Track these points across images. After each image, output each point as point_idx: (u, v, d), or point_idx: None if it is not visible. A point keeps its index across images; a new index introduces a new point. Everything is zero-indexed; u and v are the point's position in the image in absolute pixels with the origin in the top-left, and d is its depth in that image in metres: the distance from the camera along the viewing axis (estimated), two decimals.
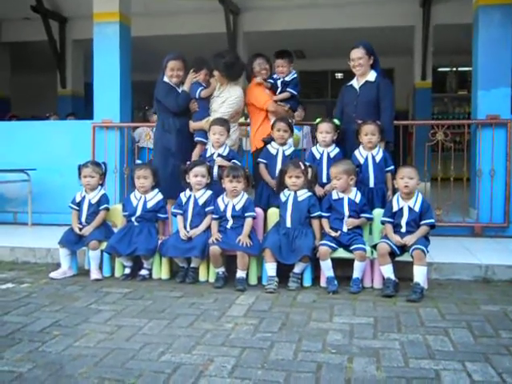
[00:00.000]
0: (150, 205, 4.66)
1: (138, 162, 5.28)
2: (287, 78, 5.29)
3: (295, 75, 5.36)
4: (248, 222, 4.39)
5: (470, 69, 6.24)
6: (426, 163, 5.93)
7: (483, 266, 4.46)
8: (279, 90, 5.29)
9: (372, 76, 4.93)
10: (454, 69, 14.00)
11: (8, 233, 6.12)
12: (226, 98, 5.09)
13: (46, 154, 6.72)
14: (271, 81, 5.31)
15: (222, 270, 4.36)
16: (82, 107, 11.94)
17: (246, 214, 4.40)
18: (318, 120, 4.94)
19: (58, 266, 4.68)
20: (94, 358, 2.79)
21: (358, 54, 4.90)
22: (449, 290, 4.17)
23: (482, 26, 5.83)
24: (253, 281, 4.37)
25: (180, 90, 5.13)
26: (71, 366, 2.70)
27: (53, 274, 4.53)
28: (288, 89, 5.28)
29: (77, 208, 4.76)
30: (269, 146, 4.96)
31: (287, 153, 4.90)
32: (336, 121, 4.88)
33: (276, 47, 5.64)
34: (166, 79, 5.12)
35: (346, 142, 4.94)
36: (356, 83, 5.02)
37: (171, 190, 4.85)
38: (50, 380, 2.54)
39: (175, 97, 5.09)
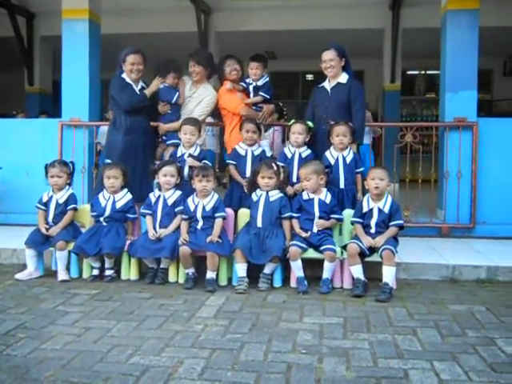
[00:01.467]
0: (118, 205, 4.60)
1: (108, 161, 5.19)
2: (259, 83, 5.32)
3: (267, 79, 5.40)
4: (218, 223, 4.36)
5: (439, 72, 6.33)
6: (395, 165, 6.01)
7: (450, 266, 4.54)
8: (251, 94, 5.32)
9: (344, 78, 4.96)
10: (423, 72, 14.23)
11: None
12: (202, 98, 5.12)
13: (12, 153, 6.55)
14: (243, 84, 5.31)
15: (191, 270, 4.33)
16: (50, 105, 11.73)
17: (216, 215, 4.38)
18: (291, 121, 4.97)
19: (24, 266, 4.59)
20: (60, 360, 2.74)
21: (329, 55, 4.93)
22: (417, 289, 4.23)
23: (449, 29, 5.92)
24: (223, 281, 4.35)
25: (137, 89, 5.04)
26: (37, 369, 2.64)
27: (18, 276, 4.44)
28: (260, 92, 5.29)
29: (44, 208, 4.67)
30: (237, 147, 4.96)
31: (256, 153, 4.92)
32: (309, 123, 4.90)
33: (247, 48, 5.66)
34: (123, 75, 5.04)
35: (317, 142, 4.96)
36: (328, 85, 5.04)
37: None
38: None
39: (130, 94, 4.99)
